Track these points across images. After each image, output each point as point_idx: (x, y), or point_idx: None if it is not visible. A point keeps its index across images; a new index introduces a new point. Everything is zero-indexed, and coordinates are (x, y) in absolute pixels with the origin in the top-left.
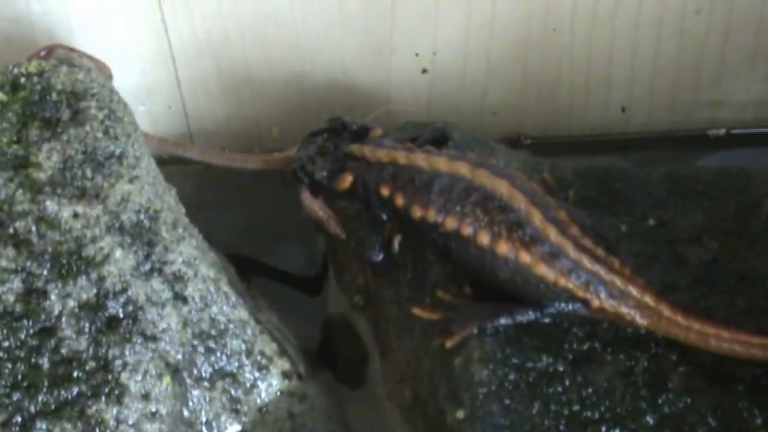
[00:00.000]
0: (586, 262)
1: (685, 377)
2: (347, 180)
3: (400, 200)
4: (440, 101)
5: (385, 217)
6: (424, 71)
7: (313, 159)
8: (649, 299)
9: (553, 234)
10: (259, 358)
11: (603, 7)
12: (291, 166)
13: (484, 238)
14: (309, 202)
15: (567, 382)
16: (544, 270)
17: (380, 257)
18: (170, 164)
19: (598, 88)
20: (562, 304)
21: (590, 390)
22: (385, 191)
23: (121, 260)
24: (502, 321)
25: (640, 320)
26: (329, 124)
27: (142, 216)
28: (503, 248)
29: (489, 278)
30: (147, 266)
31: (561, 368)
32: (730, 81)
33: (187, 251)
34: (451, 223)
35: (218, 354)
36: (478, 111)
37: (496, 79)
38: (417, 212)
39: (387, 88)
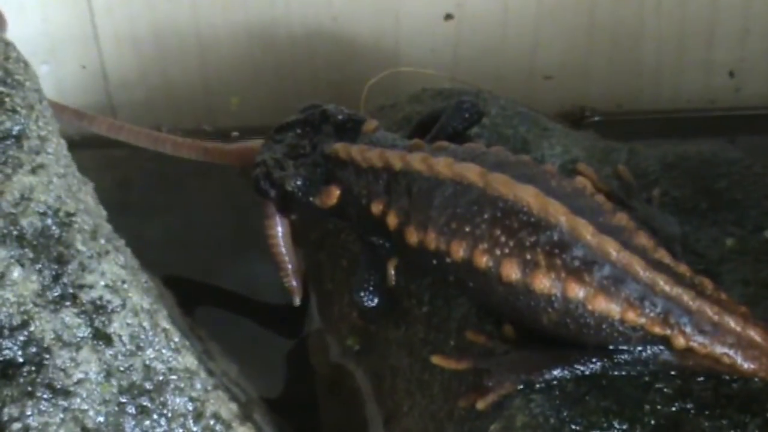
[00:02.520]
0: (663, 283)
1: None
2: (333, 194)
3: (393, 220)
4: (471, 60)
5: (384, 245)
6: (449, 17)
7: (283, 163)
8: (754, 334)
9: (614, 250)
10: (212, 422)
11: None
12: (253, 170)
13: (513, 272)
14: (274, 234)
15: None
16: (604, 303)
17: (374, 303)
18: (83, 148)
19: (696, 44)
20: (637, 348)
21: None
22: (377, 209)
23: (20, 282)
24: (557, 373)
25: (745, 363)
26: (304, 115)
27: (49, 221)
28: (543, 282)
29: (528, 324)
30: (56, 291)
31: None
32: None
33: (112, 271)
34: (458, 251)
35: (155, 416)
36: (525, 74)
37: (551, 29)
38: (413, 236)
39: (394, 40)
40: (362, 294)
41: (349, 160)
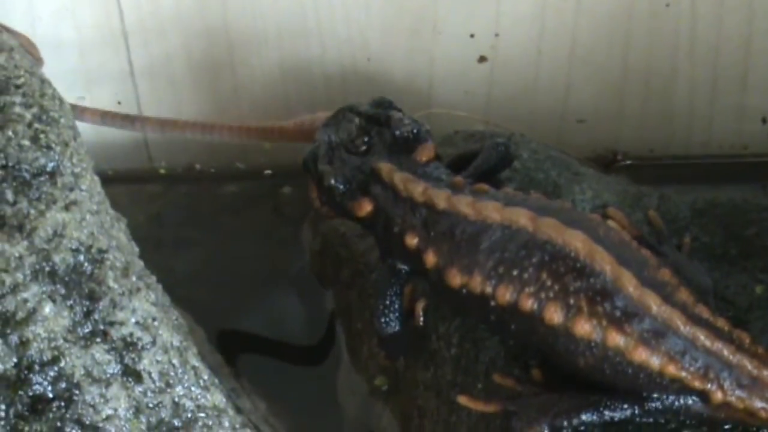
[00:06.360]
0: (704, 339)
1: None
2: (365, 208)
3: (431, 259)
4: (504, 102)
5: (406, 269)
6: (482, 59)
7: (333, 154)
8: None
9: (654, 304)
10: None
11: None
12: (310, 147)
13: (556, 315)
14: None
15: None
16: (644, 355)
17: (395, 329)
18: (117, 184)
19: (728, 90)
20: (670, 398)
21: None
22: (411, 241)
23: (51, 318)
24: (585, 417)
25: None
26: (374, 111)
27: (81, 257)
28: (584, 328)
29: (564, 365)
30: (87, 328)
31: None
32: None
33: (143, 308)
34: (504, 295)
35: None
36: (557, 117)
37: (584, 72)
38: (456, 278)
39: (428, 82)
40: (383, 320)
41: (389, 183)
